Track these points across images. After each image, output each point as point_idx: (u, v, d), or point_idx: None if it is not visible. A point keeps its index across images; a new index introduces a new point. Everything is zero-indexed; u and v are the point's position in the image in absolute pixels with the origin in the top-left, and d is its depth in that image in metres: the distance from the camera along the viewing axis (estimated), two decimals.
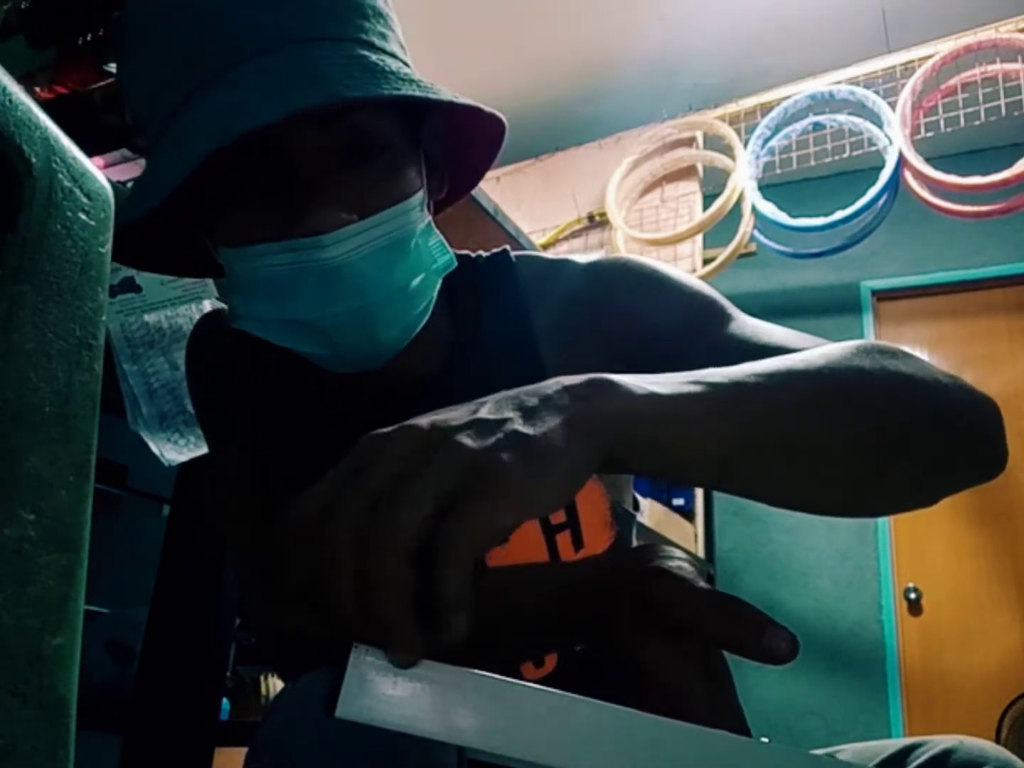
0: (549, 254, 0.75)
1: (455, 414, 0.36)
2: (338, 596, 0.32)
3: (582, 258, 0.71)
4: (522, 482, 0.33)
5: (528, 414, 0.35)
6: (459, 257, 0.73)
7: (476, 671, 0.31)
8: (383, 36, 0.59)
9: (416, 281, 0.60)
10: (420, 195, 0.60)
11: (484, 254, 0.74)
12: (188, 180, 0.52)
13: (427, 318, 0.63)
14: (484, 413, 0.35)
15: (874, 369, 0.46)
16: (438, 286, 0.63)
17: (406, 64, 0.60)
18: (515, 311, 0.69)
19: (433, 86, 0.57)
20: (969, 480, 0.51)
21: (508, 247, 0.74)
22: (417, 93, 0.54)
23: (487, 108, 0.61)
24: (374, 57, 0.56)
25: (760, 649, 0.35)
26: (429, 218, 0.62)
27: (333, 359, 0.62)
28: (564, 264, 0.71)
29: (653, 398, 0.37)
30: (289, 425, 0.71)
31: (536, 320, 0.68)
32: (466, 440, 0.34)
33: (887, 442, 0.45)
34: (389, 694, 0.30)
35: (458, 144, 0.67)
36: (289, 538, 0.34)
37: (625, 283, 0.66)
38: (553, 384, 0.37)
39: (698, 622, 0.37)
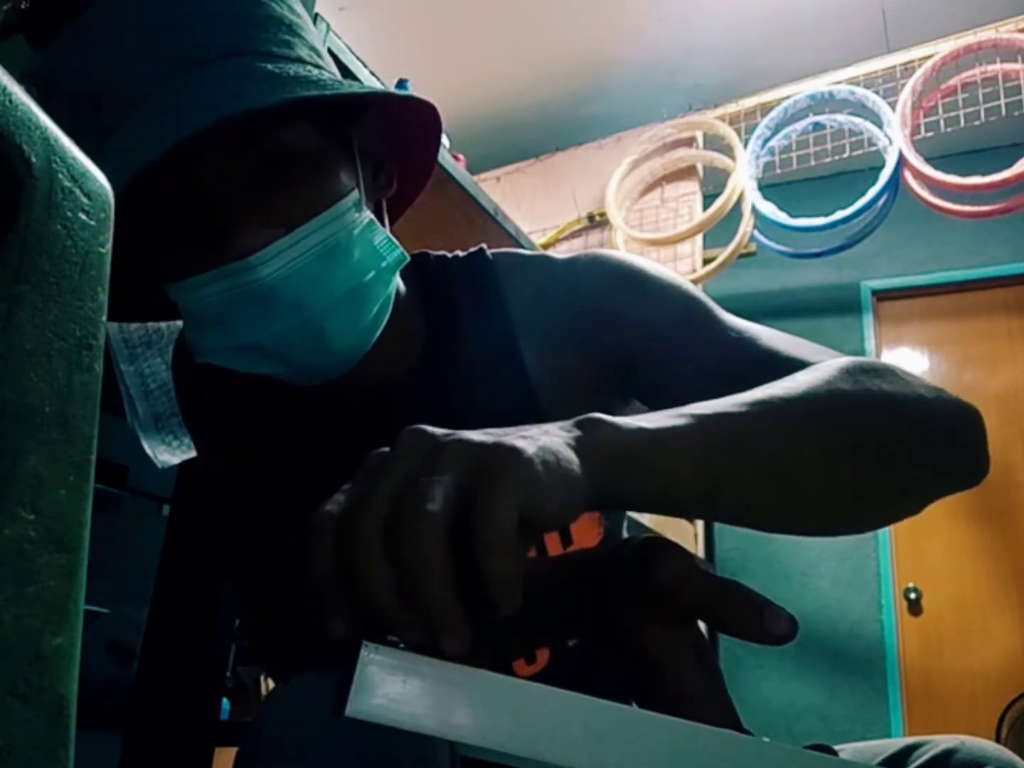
0: (528, 251, 0.74)
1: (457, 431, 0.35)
2: (376, 591, 0.31)
3: (561, 254, 0.71)
4: (536, 468, 0.32)
5: (531, 436, 0.35)
6: (435, 257, 0.73)
7: (487, 671, 0.31)
8: (287, 44, 0.58)
9: (364, 282, 0.59)
10: (353, 196, 0.59)
11: (461, 254, 0.73)
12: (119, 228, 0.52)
13: (387, 317, 0.62)
14: (489, 430, 0.35)
15: (856, 390, 0.47)
16: (394, 283, 0.63)
17: (318, 67, 0.59)
18: (493, 309, 0.69)
19: (343, 83, 0.56)
20: (952, 488, 0.52)
21: (484, 245, 0.73)
22: (312, 92, 0.53)
23: (401, 92, 0.60)
24: (271, 66, 0.55)
25: (760, 630, 0.35)
26: (369, 216, 0.61)
27: (296, 375, 0.62)
28: (543, 261, 0.71)
29: (640, 432, 0.37)
30: (270, 435, 0.71)
31: (516, 317, 0.68)
32: (477, 436, 0.34)
33: (871, 462, 0.46)
34: (398, 693, 0.29)
35: (404, 137, 0.66)
36: (313, 541, 0.33)
37: (608, 283, 0.66)
38: (545, 425, 0.37)
39: (701, 604, 0.37)
